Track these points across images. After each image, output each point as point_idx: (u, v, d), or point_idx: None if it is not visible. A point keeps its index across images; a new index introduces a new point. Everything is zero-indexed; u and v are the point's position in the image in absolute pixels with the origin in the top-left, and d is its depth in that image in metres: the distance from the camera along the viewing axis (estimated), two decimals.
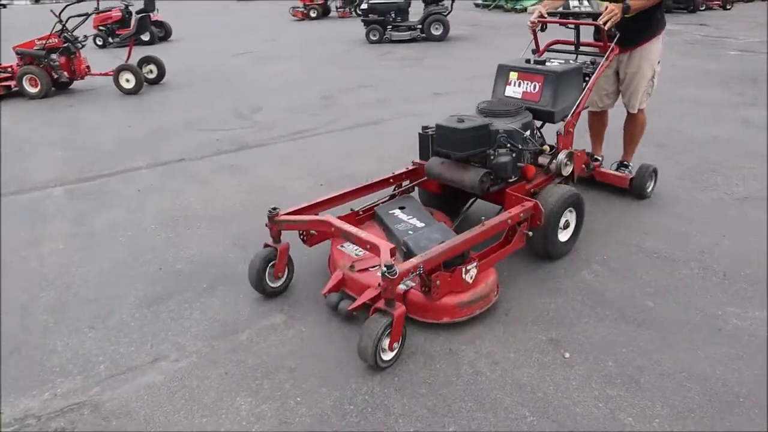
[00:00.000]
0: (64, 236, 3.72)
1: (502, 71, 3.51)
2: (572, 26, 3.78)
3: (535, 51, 3.88)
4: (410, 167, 3.50)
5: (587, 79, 3.52)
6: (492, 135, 2.97)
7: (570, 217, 3.20)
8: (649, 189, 4.00)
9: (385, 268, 2.25)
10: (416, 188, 3.56)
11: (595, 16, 3.55)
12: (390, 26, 12.04)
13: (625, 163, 4.20)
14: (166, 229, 3.76)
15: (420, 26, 11.98)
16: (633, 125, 4.06)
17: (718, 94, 7.08)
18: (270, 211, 2.86)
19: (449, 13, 12.07)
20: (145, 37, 12.43)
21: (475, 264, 2.65)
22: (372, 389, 2.27)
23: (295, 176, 4.59)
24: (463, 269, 2.59)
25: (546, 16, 3.67)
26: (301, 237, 3.04)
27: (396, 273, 2.25)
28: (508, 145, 2.96)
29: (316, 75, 8.99)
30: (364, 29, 12.18)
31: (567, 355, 2.43)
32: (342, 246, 3.02)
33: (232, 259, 3.33)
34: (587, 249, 3.30)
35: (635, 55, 3.80)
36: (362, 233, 2.63)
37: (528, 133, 3.12)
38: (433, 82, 8.07)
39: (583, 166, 3.61)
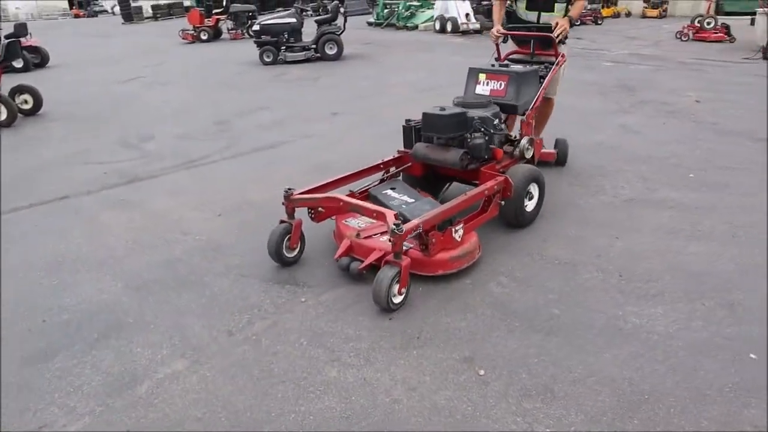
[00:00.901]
0: None
1: (473, 73, 4.16)
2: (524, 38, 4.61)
3: (498, 59, 4.69)
4: (396, 155, 4.02)
5: (542, 80, 4.25)
6: (469, 121, 3.57)
7: (534, 190, 3.78)
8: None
9: (393, 227, 2.73)
10: (401, 173, 4.02)
11: (547, 29, 4.33)
12: (284, 47, 11.93)
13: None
14: (50, 275, 3.42)
15: (314, 46, 11.96)
16: (548, 108, 4.80)
17: (597, 103, 7.58)
18: (286, 191, 3.31)
19: (342, 32, 12.15)
20: (18, 63, 11.49)
21: (461, 225, 3.19)
22: None
23: (191, 207, 4.36)
24: (453, 229, 3.13)
25: (503, 30, 4.48)
26: (310, 215, 3.46)
27: (403, 230, 2.74)
28: (482, 129, 3.56)
29: (210, 99, 8.70)
30: (257, 51, 11.98)
31: (482, 372, 2.43)
32: (346, 220, 3.49)
33: (125, 303, 3.07)
34: (492, 261, 3.36)
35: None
36: (368, 204, 3.20)
37: (497, 121, 3.70)
38: (329, 102, 8.05)
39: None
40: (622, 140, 5.80)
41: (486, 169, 3.65)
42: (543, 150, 4.78)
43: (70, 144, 6.40)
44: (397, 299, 2.85)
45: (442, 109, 3.59)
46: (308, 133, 6.37)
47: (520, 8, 4.63)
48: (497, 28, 4.50)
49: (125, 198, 4.63)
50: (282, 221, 3.34)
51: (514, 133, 4.26)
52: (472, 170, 3.67)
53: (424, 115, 3.66)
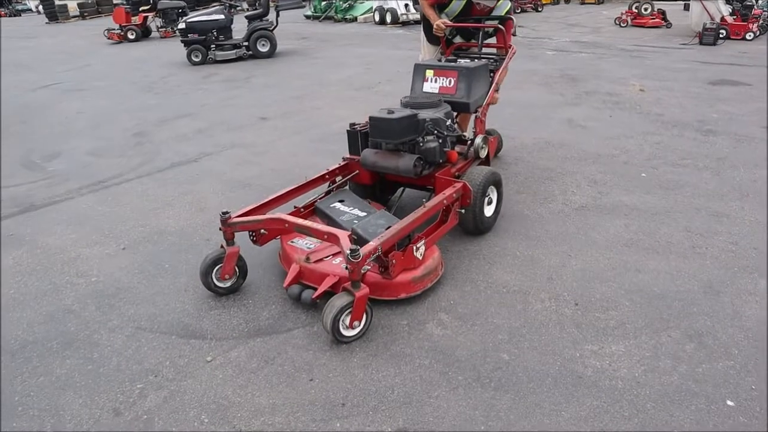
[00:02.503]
0: None
1: (419, 70, 3.87)
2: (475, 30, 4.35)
3: (443, 53, 4.48)
4: (341, 163, 3.65)
5: (492, 74, 4.02)
6: (420, 123, 3.25)
7: (492, 194, 3.53)
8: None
9: (349, 252, 2.38)
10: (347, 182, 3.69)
11: (499, 20, 4.21)
12: (213, 45, 11.23)
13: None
14: None
15: (245, 44, 11.30)
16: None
17: (541, 95, 7.29)
18: (222, 215, 2.92)
19: (275, 27, 11.54)
20: None
21: (423, 242, 2.87)
22: None
23: (92, 240, 3.77)
24: (414, 247, 2.80)
25: (449, 23, 4.23)
26: (252, 238, 3.11)
27: (360, 256, 2.39)
28: (435, 132, 3.26)
29: (130, 106, 7.98)
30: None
31: None
32: (292, 241, 3.12)
33: None
34: (431, 293, 2.93)
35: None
36: (318, 225, 2.78)
37: (449, 121, 3.41)
38: (259, 106, 7.48)
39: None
40: (568, 136, 5.50)
41: (440, 174, 3.38)
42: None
43: None
44: (348, 332, 2.54)
45: (390, 111, 3.22)
46: (234, 143, 5.82)
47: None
48: (443, 20, 4.21)
49: (15, 233, 3.98)
50: (222, 247, 2.98)
51: (468, 133, 3.98)
52: (426, 176, 3.37)
53: (371, 119, 3.29)
